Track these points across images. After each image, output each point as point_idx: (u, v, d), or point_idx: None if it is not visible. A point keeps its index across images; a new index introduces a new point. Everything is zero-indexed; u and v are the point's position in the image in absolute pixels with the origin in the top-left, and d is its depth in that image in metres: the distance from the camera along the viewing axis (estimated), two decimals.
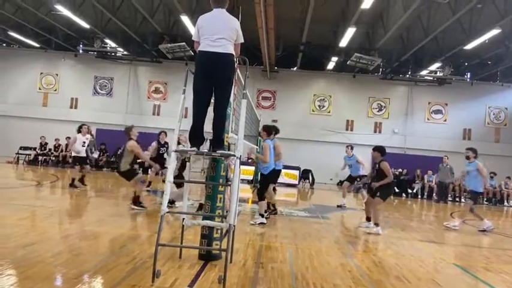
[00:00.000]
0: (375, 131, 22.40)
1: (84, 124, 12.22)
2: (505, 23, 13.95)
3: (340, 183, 22.17)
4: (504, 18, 13.32)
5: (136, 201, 8.68)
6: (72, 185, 11.38)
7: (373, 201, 8.37)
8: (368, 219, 8.61)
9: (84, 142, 11.87)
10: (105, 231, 6.48)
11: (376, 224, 8.12)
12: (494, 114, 22.13)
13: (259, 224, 7.84)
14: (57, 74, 23.21)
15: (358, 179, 12.28)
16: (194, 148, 4.63)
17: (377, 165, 8.54)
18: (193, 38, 4.83)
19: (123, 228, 6.90)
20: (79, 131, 11.83)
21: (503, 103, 22.05)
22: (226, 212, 4.71)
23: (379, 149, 8.60)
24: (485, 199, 19.05)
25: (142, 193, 9.11)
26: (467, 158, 9.98)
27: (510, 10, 12.90)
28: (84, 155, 11.96)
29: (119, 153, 9.11)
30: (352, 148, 12.63)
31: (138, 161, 19.97)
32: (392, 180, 8.49)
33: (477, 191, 9.89)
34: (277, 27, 15.95)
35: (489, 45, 17.16)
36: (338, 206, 12.17)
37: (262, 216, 8.05)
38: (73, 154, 12.19)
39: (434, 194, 18.41)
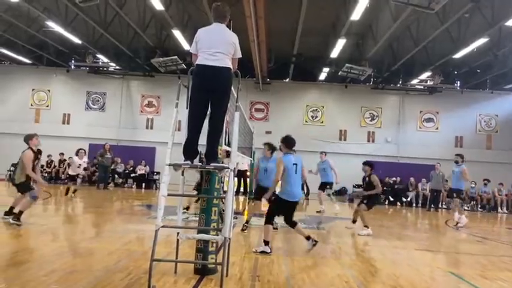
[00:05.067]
0: (368, 141, 22.49)
1: (81, 148, 14.16)
2: (492, 31, 14.17)
3: (335, 193, 22.19)
4: (491, 27, 13.53)
5: (18, 216, 7.73)
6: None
7: (359, 208, 9.51)
8: (354, 221, 9.68)
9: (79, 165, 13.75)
10: (99, 247, 6.42)
11: (366, 226, 9.16)
12: (485, 121, 22.33)
13: (260, 252, 6.43)
14: (49, 90, 23.11)
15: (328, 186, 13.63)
16: (188, 161, 4.63)
17: (367, 178, 9.59)
18: (191, 51, 4.87)
19: (117, 243, 6.82)
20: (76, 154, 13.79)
21: (494, 110, 22.28)
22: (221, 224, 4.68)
23: (369, 163, 9.69)
24: (479, 206, 19.15)
25: (27, 209, 8.05)
26: None
27: (497, 19, 13.11)
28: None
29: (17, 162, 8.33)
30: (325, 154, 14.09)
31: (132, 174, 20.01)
32: (379, 192, 9.79)
33: None
34: (269, 39, 16.07)
35: (478, 54, 17.41)
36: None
37: (266, 243, 6.54)
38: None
39: (428, 202, 18.39)
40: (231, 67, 4.70)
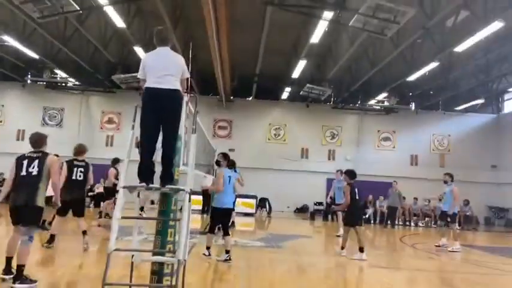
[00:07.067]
0: (329, 159, 22.96)
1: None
2: (443, 56, 15.01)
3: (297, 210, 22.41)
4: (442, 52, 14.33)
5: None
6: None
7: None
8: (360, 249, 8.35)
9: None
10: (50, 270, 6.18)
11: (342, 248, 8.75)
12: (438, 141, 23.39)
13: (203, 254, 7.42)
14: (2, 105, 22.25)
15: None
16: (143, 184, 4.60)
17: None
18: (138, 76, 4.87)
19: (70, 266, 6.59)
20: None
21: (446, 130, 23.38)
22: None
23: (345, 171, 9.08)
24: (432, 222, 19.83)
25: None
26: None
27: (447, 45, 13.89)
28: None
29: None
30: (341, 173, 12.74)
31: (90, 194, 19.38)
32: (352, 204, 8.48)
33: None
34: (232, 57, 16.26)
35: (430, 77, 18.34)
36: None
37: (227, 252, 7.30)
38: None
39: (385, 219, 18.80)
40: (180, 89, 4.77)
